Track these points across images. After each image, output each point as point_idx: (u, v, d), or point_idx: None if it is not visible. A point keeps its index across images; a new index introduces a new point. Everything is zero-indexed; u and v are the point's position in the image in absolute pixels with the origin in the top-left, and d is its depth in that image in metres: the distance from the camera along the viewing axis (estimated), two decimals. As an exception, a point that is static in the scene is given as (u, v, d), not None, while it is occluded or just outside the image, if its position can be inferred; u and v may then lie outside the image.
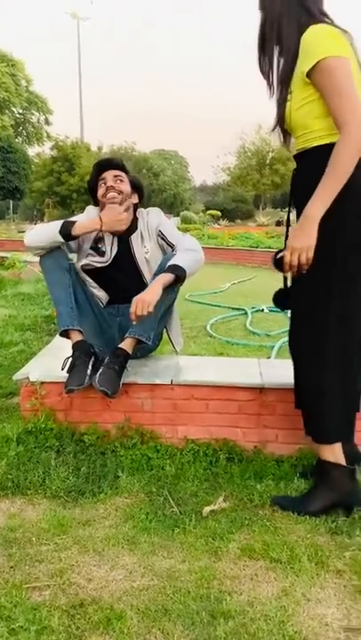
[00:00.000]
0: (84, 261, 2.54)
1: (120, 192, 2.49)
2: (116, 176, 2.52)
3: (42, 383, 2.43)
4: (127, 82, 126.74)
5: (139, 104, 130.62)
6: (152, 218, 2.58)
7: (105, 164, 2.57)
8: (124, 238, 2.54)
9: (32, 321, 5.07)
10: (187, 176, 57.17)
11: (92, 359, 2.33)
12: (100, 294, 2.58)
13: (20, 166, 26.56)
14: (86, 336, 2.41)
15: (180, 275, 2.27)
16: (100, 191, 2.52)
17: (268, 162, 56.39)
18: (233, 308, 5.86)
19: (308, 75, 1.70)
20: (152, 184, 40.77)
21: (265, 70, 1.89)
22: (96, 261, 2.53)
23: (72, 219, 2.49)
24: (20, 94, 37.60)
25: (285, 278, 1.99)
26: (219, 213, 38.17)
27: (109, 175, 2.52)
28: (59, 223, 2.41)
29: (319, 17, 1.78)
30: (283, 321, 4.84)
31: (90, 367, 2.29)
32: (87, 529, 1.84)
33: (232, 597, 1.51)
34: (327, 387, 1.86)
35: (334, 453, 1.91)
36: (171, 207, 41.10)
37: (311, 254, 1.72)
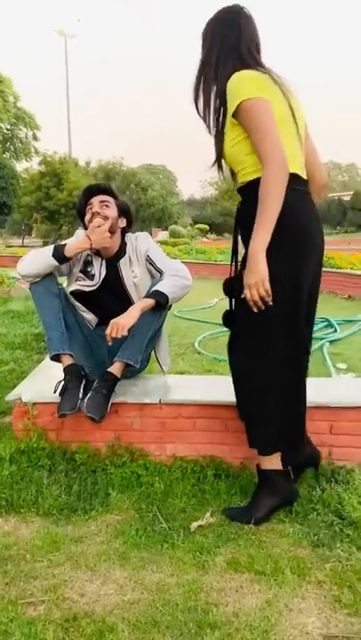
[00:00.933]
0: (73, 287, 2.61)
1: (106, 217, 2.55)
2: (102, 201, 2.59)
3: (34, 404, 2.51)
4: (115, 98, 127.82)
5: (126, 119, 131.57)
6: (141, 243, 2.65)
7: (93, 190, 2.64)
8: (112, 262, 2.62)
9: (22, 339, 5.12)
10: (175, 190, 57.51)
11: (83, 382, 2.41)
12: (90, 317, 2.66)
13: (7, 182, 26.62)
14: (77, 358, 2.49)
15: (160, 301, 2.38)
16: (87, 216, 2.59)
17: (254, 176, 56.64)
18: (221, 325, 5.94)
19: (234, 116, 1.86)
20: (140, 199, 41.03)
21: (201, 109, 2.04)
22: (85, 285, 2.60)
23: (62, 242, 2.58)
24: (8, 110, 37.77)
25: (230, 301, 2.13)
26: (207, 227, 38.43)
27: (96, 201, 2.59)
28: (50, 248, 2.51)
29: (253, 66, 1.93)
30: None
31: (81, 390, 2.37)
32: (79, 545, 1.91)
33: (218, 609, 1.59)
34: (271, 402, 2.00)
35: (272, 461, 2.06)
36: (159, 221, 41.35)
37: (267, 286, 1.82)
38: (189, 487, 2.28)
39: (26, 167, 39.12)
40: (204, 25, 2.03)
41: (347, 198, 46.06)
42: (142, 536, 1.95)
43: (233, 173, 2.08)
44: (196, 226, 38.90)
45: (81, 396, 2.36)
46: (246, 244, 1.94)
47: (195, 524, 2.00)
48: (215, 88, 1.99)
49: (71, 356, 2.47)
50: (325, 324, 5.89)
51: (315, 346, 4.83)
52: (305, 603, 1.62)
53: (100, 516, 2.09)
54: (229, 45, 1.96)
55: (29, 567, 1.79)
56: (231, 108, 1.86)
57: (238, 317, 2.05)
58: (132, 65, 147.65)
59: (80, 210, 2.67)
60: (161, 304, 2.39)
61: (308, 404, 2.32)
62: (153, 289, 2.41)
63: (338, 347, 4.90)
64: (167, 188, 49.92)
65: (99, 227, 2.50)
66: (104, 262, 2.63)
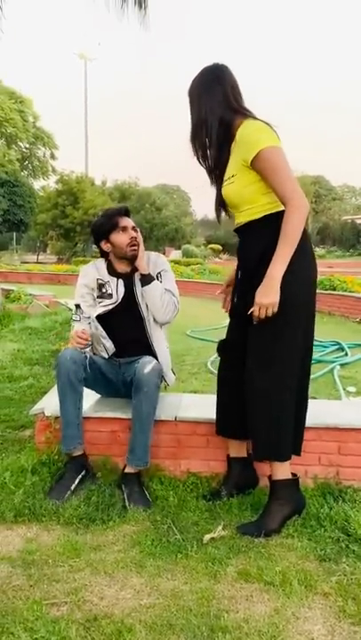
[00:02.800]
0: (97, 310, 2.70)
1: (139, 244, 2.68)
2: (133, 227, 2.72)
3: (56, 418, 2.64)
4: (132, 119, 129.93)
5: (142, 140, 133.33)
6: (159, 259, 2.79)
7: (122, 211, 2.74)
8: (128, 278, 2.73)
9: (40, 355, 5.28)
10: (189, 210, 58.04)
11: (83, 473, 2.51)
12: (108, 345, 2.72)
13: (25, 200, 27.12)
14: (92, 387, 2.72)
15: (148, 278, 2.64)
16: (122, 238, 2.65)
17: (268, 198, 56.70)
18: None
19: (251, 162, 2.05)
20: (154, 218, 41.42)
21: (201, 158, 2.25)
22: (107, 304, 2.71)
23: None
24: (28, 130, 38.64)
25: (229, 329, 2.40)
26: (220, 247, 38.68)
27: (130, 224, 2.70)
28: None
29: (242, 113, 2.14)
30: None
31: (76, 482, 2.46)
32: (98, 553, 2.03)
33: (229, 615, 1.69)
34: (285, 413, 2.16)
35: (284, 471, 2.20)
36: (172, 241, 41.65)
37: (276, 309, 2.03)
38: (202, 502, 2.39)
39: (43, 185, 39.85)
40: (190, 87, 2.24)
41: (360, 221, 46.18)
42: (157, 546, 2.06)
43: (226, 214, 2.30)
44: (210, 246, 39.19)
45: (73, 488, 2.43)
46: (251, 274, 2.14)
47: (207, 537, 2.11)
48: (208, 140, 2.19)
49: (80, 444, 2.55)
50: (337, 347, 5.98)
51: (326, 368, 4.94)
52: (311, 612, 1.72)
53: (117, 527, 2.21)
54: (217, 100, 2.15)
55: (52, 571, 1.91)
56: (250, 156, 2.04)
57: (253, 339, 2.17)
58: (149, 87, 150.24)
59: (106, 229, 2.70)
60: (146, 279, 2.65)
61: (318, 425, 2.45)
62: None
63: (348, 370, 4.99)
64: (181, 208, 50.48)
65: (80, 337, 2.57)
66: (120, 281, 2.73)
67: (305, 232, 2.09)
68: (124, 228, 2.68)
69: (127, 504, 2.35)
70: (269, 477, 2.25)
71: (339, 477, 2.48)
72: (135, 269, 2.72)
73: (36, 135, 40.38)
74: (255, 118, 2.14)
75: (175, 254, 32.37)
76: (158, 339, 2.73)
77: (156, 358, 2.66)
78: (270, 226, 2.06)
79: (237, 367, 2.24)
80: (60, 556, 2.00)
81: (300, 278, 2.08)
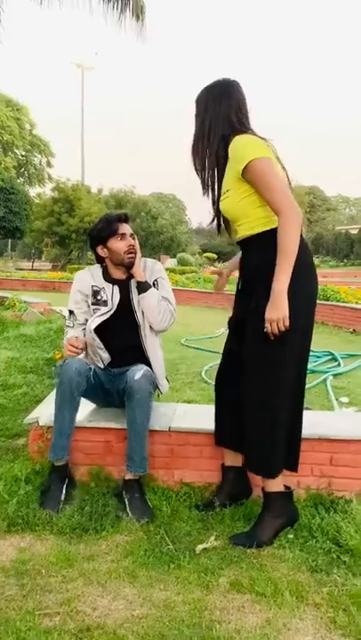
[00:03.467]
0: (94, 323, 2.66)
1: (136, 251, 2.67)
2: (131, 234, 2.70)
3: (49, 427, 2.64)
4: (128, 127, 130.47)
5: (139, 149, 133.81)
6: (156, 266, 2.78)
7: (121, 217, 2.71)
8: (124, 284, 2.72)
9: (34, 363, 5.28)
10: (184, 219, 58.21)
11: (66, 482, 2.50)
12: (105, 356, 2.70)
13: (21, 207, 27.13)
14: (89, 397, 2.70)
15: (144, 286, 2.65)
16: (120, 245, 2.64)
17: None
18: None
19: (242, 174, 2.07)
20: (150, 226, 41.56)
21: (198, 170, 2.29)
22: (103, 314, 2.68)
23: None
24: (24, 137, 38.79)
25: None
26: (214, 256, 38.81)
27: (128, 231, 2.69)
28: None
29: (244, 131, 2.17)
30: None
31: (63, 491, 2.46)
32: (91, 563, 2.03)
33: (221, 626, 1.70)
34: (279, 429, 2.17)
35: (277, 483, 2.23)
36: (168, 249, 41.77)
37: (287, 322, 2.02)
38: (195, 512, 2.40)
39: (39, 192, 39.92)
40: (199, 95, 2.26)
41: (354, 231, 46.44)
42: (150, 556, 2.07)
43: (226, 227, 2.33)
44: (204, 254, 39.33)
45: (63, 498, 2.43)
46: (250, 287, 2.17)
47: (200, 547, 2.12)
48: (210, 153, 2.22)
49: (67, 454, 2.54)
50: (330, 357, 6.02)
51: (319, 379, 4.96)
52: (302, 623, 1.73)
53: (110, 536, 2.21)
54: (221, 116, 2.18)
55: (44, 581, 1.91)
56: (240, 167, 2.06)
57: (250, 356, 2.19)
58: (146, 96, 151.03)
59: (104, 235, 2.67)
60: (142, 286, 2.66)
61: (310, 436, 2.48)
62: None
63: (341, 380, 5.02)
64: (176, 217, 50.66)
65: (73, 345, 2.52)
66: (115, 287, 2.71)
67: (305, 247, 2.12)
68: (123, 235, 2.67)
69: (128, 512, 2.36)
70: (263, 488, 2.27)
71: (331, 488, 2.50)
72: (131, 276, 2.71)
73: (33, 143, 40.53)
74: (254, 135, 2.17)
75: (170, 262, 32.45)
76: (153, 346, 2.73)
77: (151, 366, 2.65)
78: (268, 242, 2.07)
79: (234, 378, 2.27)
80: (54, 566, 2.00)
81: (299, 295, 2.07)
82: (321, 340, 6.88)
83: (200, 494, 2.53)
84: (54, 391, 2.56)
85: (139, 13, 8.29)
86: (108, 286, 2.73)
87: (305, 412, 2.33)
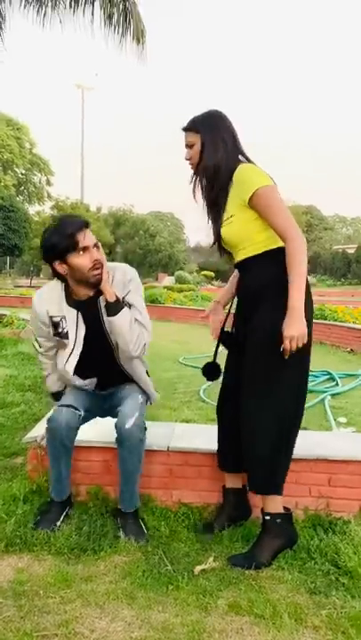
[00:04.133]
0: (69, 365, 2.44)
1: (101, 265, 2.32)
2: (95, 244, 2.32)
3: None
4: (127, 147, 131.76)
5: (137, 168, 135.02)
6: (128, 276, 2.42)
7: (78, 224, 2.29)
8: (91, 304, 2.39)
9: (32, 381, 5.27)
10: (182, 237, 58.53)
11: (67, 509, 2.48)
12: (89, 382, 2.54)
13: (20, 224, 27.29)
14: (86, 416, 2.51)
15: (114, 308, 2.31)
16: (83, 261, 2.27)
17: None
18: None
19: (249, 201, 2.13)
20: (148, 244, 41.78)
21: (206, 195, 2.29)
22: (71, 351, 2.43)
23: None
24: (24, 156, 39.16)
25: (215, 353, 2.48)
26: (212, 274, 38.97)
27: (91, 242, 2.29)
28: (52, 390, 2.72)
29: (245, 159, 2.25)
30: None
31: (62, 517, 2.42)
32: (89, 584, 2.02)
33: (220, 648, 1.69)
34: (282, 447, 2.20)
35: (277, 505, 2.24)
36: (165, 267, 41.93)
37: (306, 339, 2.07)
38: (194, 532, 2.40)
39: (38, 210, 40.15)
40: (194, 125, 2.25)
41: (351, 251, 46.76)
42: (148, 577, 2.06)
43: (222, 250, 2.36)
44: (202, 272, 39.47)
45: (59, 523, 2.39)
46: (251, 307, 2.20)
47: (198, 568, 2.11)
48: (211, 183, 2.24)
49: (69, 491, 2.54)
50: (328, 377, 6.03)
51: (317, 399, 4.97)
52: (301, 646, 1.72)
53: (108, 557, 2.21)
54: (222, 145, 2.22)
55: (42, 602, 1.90)
56: (247, 194, 2.12)
57: (250, 373, 2.20)
58: (145, 115, 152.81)
59: (61, 249, 2.27)
60: (111, 307, 2.32)
61: (308, 457, 2.49)
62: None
63: (339, 400, 5.03)
64: (175, 235, 50.95)
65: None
66: (80, 315, 2.40)
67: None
68: (85, 249, 2.26)
69: (122, 534, 2.34)
70: (262, 510, 2.27)
71: (329, 509, 2.50)
72: (99, 292, 2.36)
73: (33, 161, 40.91)
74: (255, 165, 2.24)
75: (168, 280, 32.53)
76: (134, 366, 2.53)
77: (136, 382, 2.55)
78: (270, 261, 2.16)
79: (235, 398, 2.28)
80: (51, 587, 1.99)
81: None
82: (319, 360, 6.89)
83: (199, 514, 2.53)
84: (53, 407, 2.55)
85: (139, 37, 8.44)
86: (70, 314, 2.39)
87: (303, 432, 2.35)
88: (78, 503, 2.57)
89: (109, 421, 2.86)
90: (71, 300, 2.41)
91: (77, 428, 2.42)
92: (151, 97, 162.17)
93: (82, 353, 2.44)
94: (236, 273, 2.45)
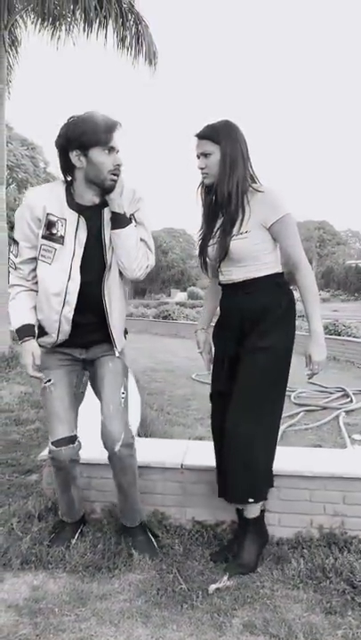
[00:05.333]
0: (53, 283, 2.14)
1: (120, 172, 2.15)
2: (117, 151, 2.14)
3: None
4: (139, 164, 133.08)
5: (150, 184, 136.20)
6: (137, 195, 2.24)
7: (118, 124, 2.12)
8: (94, 212, 2.17)
9: (47, 398, 5.31)
10: (194, 253, 58.61)
11: (82, 526, 2.48)
12: (65, 329, 2.20)
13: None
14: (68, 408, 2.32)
15: (122, 220, 2.13)
16: (106, 159, 2.09)
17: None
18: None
19: (273, 224, 2.21)
20: (160, 261, 41.99)
21: (225, 204, 2.28)
22: (46, 259, 2.14)
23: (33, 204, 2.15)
24: (38, 175, 39.69)
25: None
26: (225, 290, 38.92)
27: (118, 146, 2.12)
28: (16, 323, 2.24)
29: (253, 183, 2.28)
30: (289, 407, 5.07)
31: (77, 534, 2.42)
32: (104, 602, 2.03)
33: (235, 668, 1.69)
34: (270, 456, 2.31)
35: (257, 508, 2.35)
36: (178, 283, 42.11)
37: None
38: (208, 551, 2.40)
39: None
40: (212, 133, 2.22)
41: (364, 266, 46.57)
42: (163, 596, 2.06)
43: (206, 264, 2.41)
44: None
45: (74, 542, 2.38)
46: (252, 326, 2.25)
47: (213, 587, 2.11)
48: (229, 195, 2.23)
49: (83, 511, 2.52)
50: (342, 393, 6.00)
51: (331, 415, 4.95)
52: (317, 666, 1.71)
53: (123, 575, 2.21)
54: (242, 159, 2.23)
55: (58, 620, 1.91)
56: (274, 217, 2.20)
57: (245, 385, 2.25)
58: (156, 135, 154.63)
59: (89, 140, 2.06)
60: (122, 222, 2.13)
61: (323, 475, 2.49)
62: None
63: (354, 417, 5.01)
64: (187, 252, 51.14)
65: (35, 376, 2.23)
66: (82, 220, 2.14)
67: (291, 291, 2.30)
68: (112, 149, 2.09)
69: (135, 552, 2.32)
70: (241, 515, 2.37)
71: (344, 527, 2.48)
72: (105, 202, 2.17)
73: (47, 180, 41.41)
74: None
75: (181, 296, 32.64)
76: (117, 296, 2.25)
77: (109, 323, 2.24)
78: (273, 284, 2.27)
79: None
80: (67, 605, 2.00)
81: (292, 332, 2.30)
82: (333, 376, 6.87)
83: (213, 532, 2.52)
84: None
85: (151, 58, 8.60)
86: (71, 217, 2.14)
87: (317, 450, 2.36)
88: (93, 521, 2.58)
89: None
90: (73, 203, 2.17)
91: (79, 454, 2.33)
92: (163, 111, 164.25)
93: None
94: (214, 291, 2.52)
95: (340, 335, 9.67)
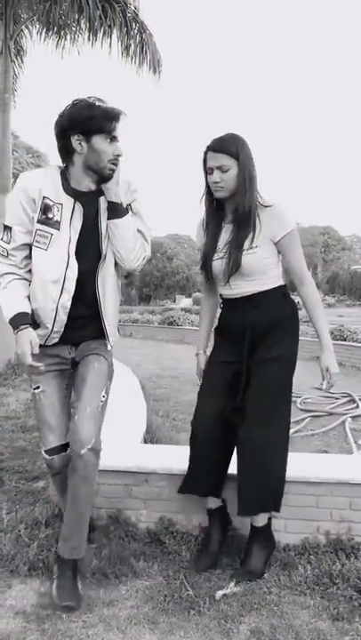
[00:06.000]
0: (51, 269, 2.05)
1: (119, 162, 2.09)
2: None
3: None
4: (145, 171, 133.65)
5: (155, 191, 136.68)
6: (132, 186, 2.17)
7: (116, 115, 2.03)
8: (91, 199, 2.10)
9: (53, 405, 5.32)
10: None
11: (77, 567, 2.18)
12: (61, 318, 2.10)
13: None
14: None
15: (120, 210, 2.08)
16: (107, 147, 2.03)
17: (278, 248, 57.83)
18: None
19: (280, 239, 2.26)
20: (165, 267, 42.07)
21: (240, 215, 2.30)
22: (40, 246, 2.05)
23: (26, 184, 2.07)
24: (44, 182, 39.97)
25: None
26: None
27: (120, 136, 2.06)
28: (10, 312, 2.08)
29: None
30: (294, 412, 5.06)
31: (79, 581, 2.14)
32: (111, 609, 2.03)
33: (242, 674, 1.69)
34: (283, 466, 2.34)
35: (266, 515, 2.37)
36: (183, 289, 42.16)
37: None
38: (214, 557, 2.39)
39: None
40: (226, 146, 2.21)
41: (370, 271, 46.50)
42: (170, 602, 2.07)
43: (211, 279, 2.40)
44: (220, 294, 39.53)
45: (80, 586, 2.13)
46: (261, 338, 2.29)
47: (220, 593, 2.11)
48: (244, 210, 2.25)
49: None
50: (348, 399, 5.99)
51: (337, 421, 4.94)
52: (324, 673, 1.71)
53: (129, 582, 2.22)
54: (255, 175, 2.27)
55: (65, 627, 1.92)
56: (283, 232, 2.26)
57: (258, 397, 2.27)
58: (160, 139, 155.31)
59: (92, 126, 2.00)
60: (120, 212, 2.08)
61: (329, 480, 2.49)
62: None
63: (360, 422, 4.99)
64: (192, 257, 51.12)
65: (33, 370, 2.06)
66: (78, 205, 2.07)
67: (293, 300, 2.39)
68: (114, 139, 2.04)
69: (53, 591, 2.07)
70: (252, 524, 2.36)
71: (351, 533, 2.48)
72: (101, 190, 2.11)
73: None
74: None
75: (186, 302, 32.65)
76: (109, 287, 2.16)
77: (102, 316, 2.15)
78: (280, 296, 2.34)
79: (225, 435, 2.33)
80: (74, 612, 2.01)
81: (296, 340, 2.37)
82: (338, 382, 6.83)
83: (219, 539, 2.52)
84: None
85: (156, 66, 8.67)
86: (67, 202, 2.06)
87: (323, 456, 2.36)
88: (99, 527, 2.58)
89: (129, 444, 2.90)
90: (69, 188, 2.09)
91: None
92: (165, 118, 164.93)
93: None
94: (209, 310, 2.56)
95: (345, 340, 9.65)
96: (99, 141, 2.01)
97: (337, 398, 5.99)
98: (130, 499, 2.63)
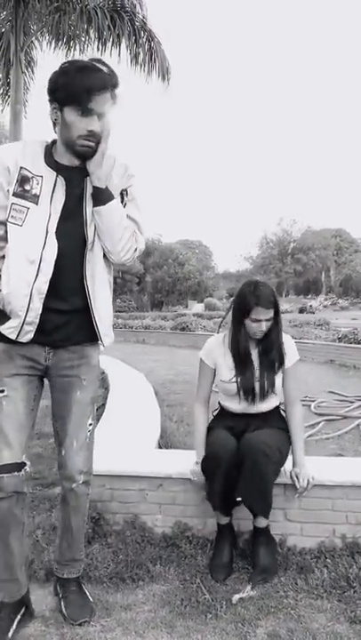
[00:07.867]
0: (28, 245, 1.79)
1: (96, 139, 1.81)
2: (99, 114, 1.79)
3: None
4: (154, 176, 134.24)
5: (164, 197, 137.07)
6: (129, 171, 1.97)
7: (109, 86, 1.80)
8: (75, 175, 1.87)
9: (67, 412, 5.36)
10: (210, 264, 58.86)
11: (22, 611, 1.96)
12: (36, 306, 1.82)
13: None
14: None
15: (103, 195, 1.84)
16: (78, 123, 1.77)
17: (289, 251, 58.16)
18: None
19: (288, 368, 2.52)
20: (177, 272, 42.13)
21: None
22: (15, 221, 1.80)
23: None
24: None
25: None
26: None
27: (100, 109, 1.78)
28: None
29: None
30: (309, 416, 5.05)
31: (16, 622, 1.91)
32: (129, 612, 2.05)
33: None
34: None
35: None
36: (195, 294, 42.19)
37: None
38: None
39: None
40: (278, 306, 2.48)
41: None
42: (187, 606, 2.08)
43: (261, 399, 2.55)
44: (232, 299, 39.56)
45: (14, 628, 1.88)
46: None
47: (236, 597, 2.12)
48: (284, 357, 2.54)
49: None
50: (362, 402, 5.96)
51: (352, 424, 4.92)
52: None
53: (146, 586, 2.23)
54: None
55: (84, 631, 1.94)
56: (293, 361, 2.54)
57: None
58: (170, 144, 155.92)
59: (64, 96, 1.76)
60: (104, 198, 1.84)
61: (344, 483, 2.49)
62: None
63: (374, 425, 4.96)
64: (203, 263, 51.33)
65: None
66: (60, 179, 1.84)
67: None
68: (89, 112, 1.76)
69: (63, 610, 2.02)
70: (257, 526, 2.42)
71: (367, 536, 2.47)
72: (86, 169, 1.86)
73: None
74: None
75: (198, 308, 32.69)
76: (99, 278, 1.92)
77: (92, 311, 1.91)
78: (279, 409, 2.62)
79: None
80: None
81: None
82: (352, 385, 6.82)
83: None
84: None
85: (165, 74, 8.73)
86: (48, 175, 1.84)
87: (338, 459, 2.37)
88: (115, 532, 2.60)
89: (144, 449, 2.91)
90: (52, 160, 1.87)
91: (25, 486, 1.93)
92: (174, 125, 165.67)
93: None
94: (205, 418, 2.69)
95: (359, 344, 9.59)
96: (69, 113, 1.77)
97: (351, 402, 5.96)
98: (145, 503, 2.65)
